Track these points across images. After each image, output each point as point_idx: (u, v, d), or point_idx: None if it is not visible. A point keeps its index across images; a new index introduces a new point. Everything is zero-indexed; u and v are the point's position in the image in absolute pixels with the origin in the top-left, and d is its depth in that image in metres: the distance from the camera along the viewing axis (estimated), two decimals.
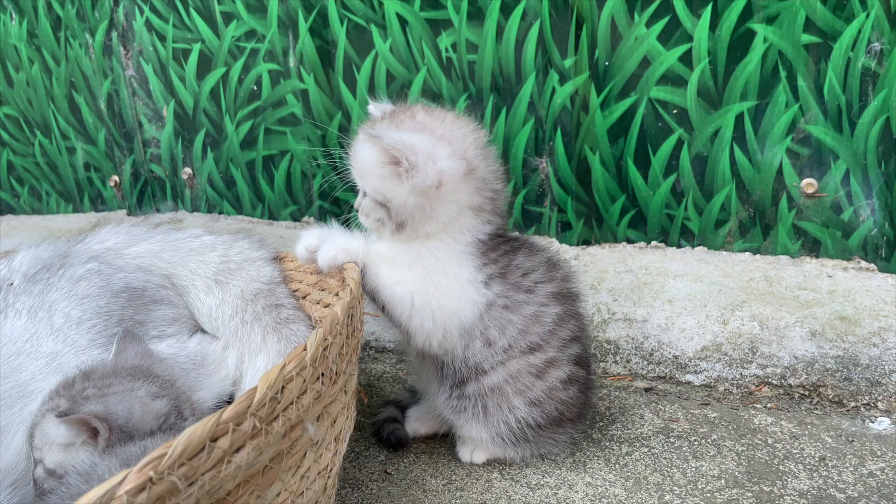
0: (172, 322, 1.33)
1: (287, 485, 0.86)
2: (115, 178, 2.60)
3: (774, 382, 1.45)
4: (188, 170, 2.44)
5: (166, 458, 0.66)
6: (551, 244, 1.97)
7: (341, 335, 0.96)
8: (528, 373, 1.19)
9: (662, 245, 1.88)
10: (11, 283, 1.27)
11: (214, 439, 0.71)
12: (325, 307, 1.30)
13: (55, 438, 0.98)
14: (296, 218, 2.32)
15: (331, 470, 0.98)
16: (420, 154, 1.11)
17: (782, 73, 1.65)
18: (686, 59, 1.72)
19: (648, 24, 1.73)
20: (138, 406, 0.99)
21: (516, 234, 1.36)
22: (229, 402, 1.29)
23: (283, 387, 0.81)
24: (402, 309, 1.17)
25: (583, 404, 1.27)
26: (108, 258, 1.35)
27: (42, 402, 1.04)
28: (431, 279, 1.17)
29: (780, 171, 1.71)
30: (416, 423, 1.38)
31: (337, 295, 1.24)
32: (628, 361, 1.56)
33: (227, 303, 1.31)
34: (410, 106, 1.23)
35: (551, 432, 1.23)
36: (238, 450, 0.74)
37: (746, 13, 1.64)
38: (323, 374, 0.89)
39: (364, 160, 1.17)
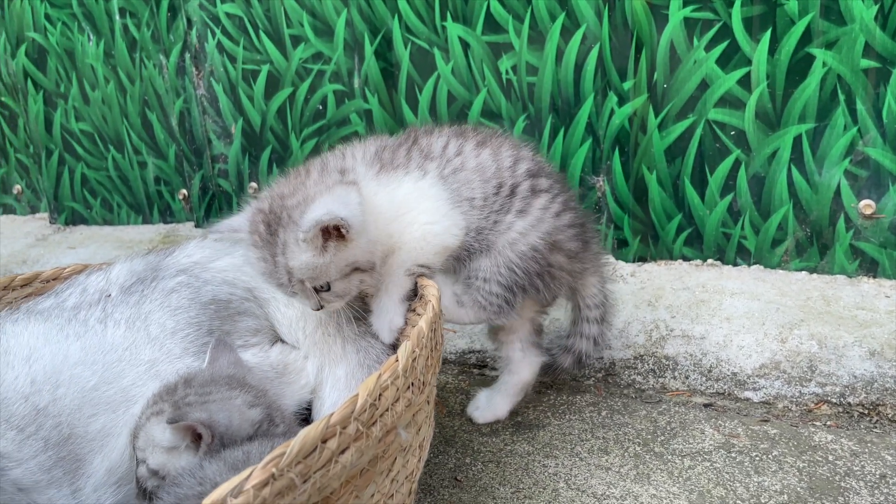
0: (255, 332, 1.41)
1: (380, 487, 0.92)
2: (184, 191, 2.72)
3: (833, 401, 1.48)
4: (254, 185, 2.54)
5: (285, 457, 0.74)
6: (607, 261, 2.02)
7: (426, 348, 1.03)
8: (504, 204, 1.34)
9: (718, 263, 1.92)
10: (109, 295, 1.36)
11: (324, 441, 0.78)
12: None
13: (160, 441, 1.05)
14: None
15: (415, 475, 1.04)
16: (344, 209, 1.16)
17: (841, 97, 1.68)
18: (744, 82, 1.76)
19: (707, 48, 1.77)
20: (237, 414, 1.07)
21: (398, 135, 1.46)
22: (307, 410, 1.38)
23: (380, 394, 0.87)
24: (438, 244, 1.30)
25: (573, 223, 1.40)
26: (196, 271, 1.44)
27: (145, 405, 1.13)
28: (408, 225, 1.30)
29: (837, 192, 1.74)
30: (477, 412, 1.53)
31: (414, 310, 1.30)
32: (687, 377, 1.60)
33: (309, 315, 1.39)
34: (260, 205, 1.28)
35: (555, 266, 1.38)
36: (343, 451, 0.81)
37: (805, 38, 1.68)
38: (412, 384, 0.96)
39: (314, 258, 1.18)
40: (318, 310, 1.26)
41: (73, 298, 1.36)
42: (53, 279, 1.50)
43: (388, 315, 1.32)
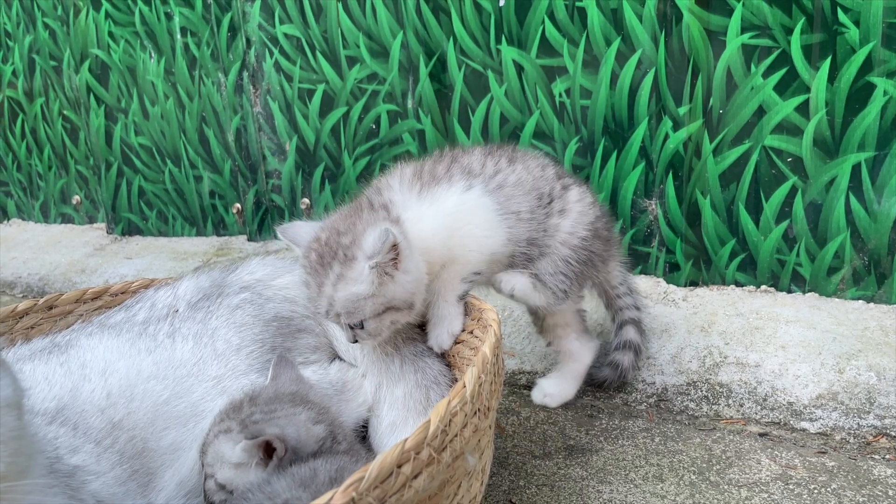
0: (315, 350, 1.45)
1: None
2: (238, 205, 2.79)
3: (893, 434, 1.46)
4: (306, 200, 2.59)
5: (364, 481, 0.76)
6: (658, 284, 2.02)
7: (490, 373, 1.05)
8: (547, 210, 1.43)
9: (772, 289, 1.90)
10: (177, 310, 1.41)
11: (399, 466, 0.81)
12: (458, 343, 1.39)
13: (229, 458, 1.08)
14: None
15: (477, 498, 1.06)
16: (399, 238, 1.21)
17: None
18: (803, 109, 1.76)
19: (765, 75, 1.77)
20: (303, 430, 1.09)
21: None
22: (364, 427, 1.40)
23: (450, 420, 0.89)
24: (488, 252, 1.38)
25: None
26: (259, 289, 1.48)
27: (212, 422, 1.16)
28: (466, 231, 1.36)
29: None
30: (548, 398, 1.65)
31: (472, 332, 1.33)
32: (741, 405, 1.59)
33: None
34: (325, 229, 1.30)
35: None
36: (416, 476, 0.83)
37: (866, 67, 1.67)
38: (479, 410, 0.98)
39: (363, 289, 1.22)
40: (354, 342, 1.31)
41: (142, 313, 1.40)
42: (122, 293, 1.55)
43: (447, 320, 1.36)
